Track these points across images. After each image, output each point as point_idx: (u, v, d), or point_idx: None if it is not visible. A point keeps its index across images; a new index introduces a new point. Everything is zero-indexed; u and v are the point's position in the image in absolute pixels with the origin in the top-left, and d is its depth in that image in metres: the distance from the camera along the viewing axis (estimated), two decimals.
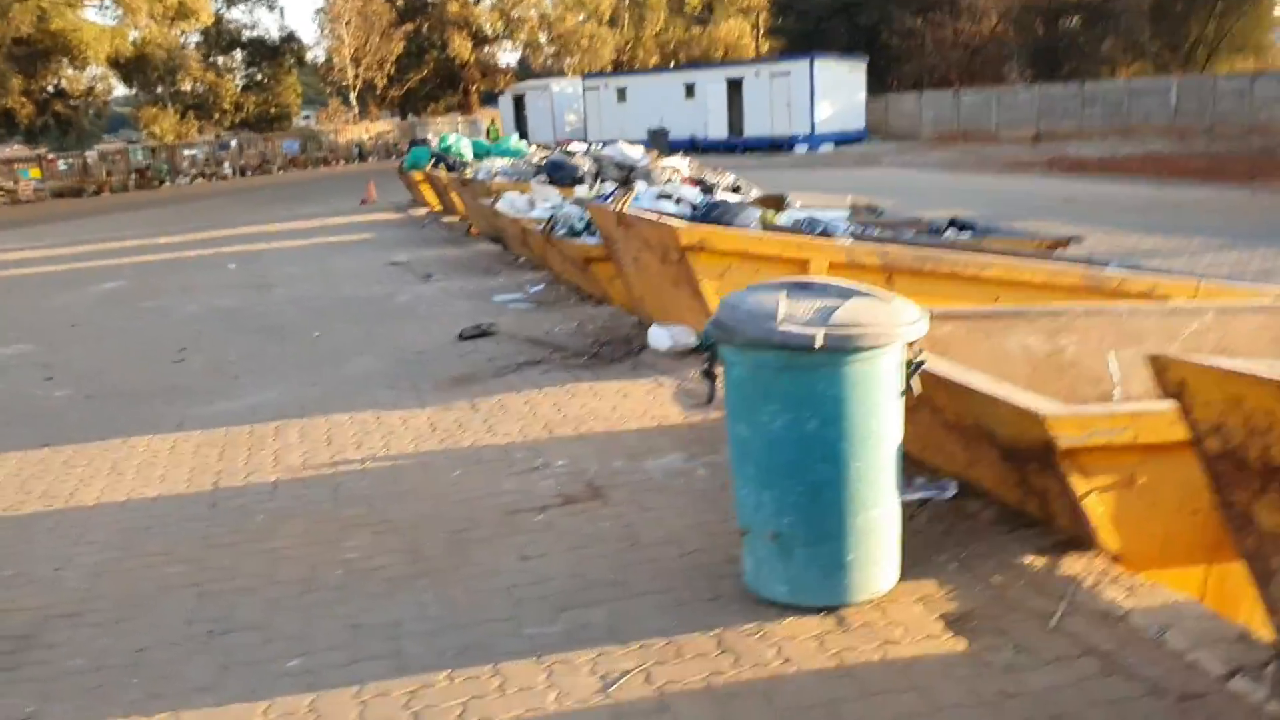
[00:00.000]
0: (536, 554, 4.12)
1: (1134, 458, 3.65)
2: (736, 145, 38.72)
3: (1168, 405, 3.63)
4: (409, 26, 55.18)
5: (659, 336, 6.96)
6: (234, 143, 45.39)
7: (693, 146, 36.98)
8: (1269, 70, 37.16)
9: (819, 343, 3.26)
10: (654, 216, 6.84)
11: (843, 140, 40.17)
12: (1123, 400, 5.17)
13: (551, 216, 9.35)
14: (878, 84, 44.64)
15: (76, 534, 4.65)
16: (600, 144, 15.93)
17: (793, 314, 3.34)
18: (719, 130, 40.57)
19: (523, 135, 39.85)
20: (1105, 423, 3.58)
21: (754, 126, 40.19)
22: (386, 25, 53.03)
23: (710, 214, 7.37)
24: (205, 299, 11.23)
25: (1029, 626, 3.33)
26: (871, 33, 48.02)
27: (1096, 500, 3.69)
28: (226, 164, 42.71)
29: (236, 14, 56.93)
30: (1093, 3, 46.57)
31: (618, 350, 7.14)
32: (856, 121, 41.67)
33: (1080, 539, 3.81)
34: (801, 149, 38.69)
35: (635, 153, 13.93)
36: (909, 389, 3.49)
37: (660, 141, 36.30)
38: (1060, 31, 48.14)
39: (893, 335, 3.34)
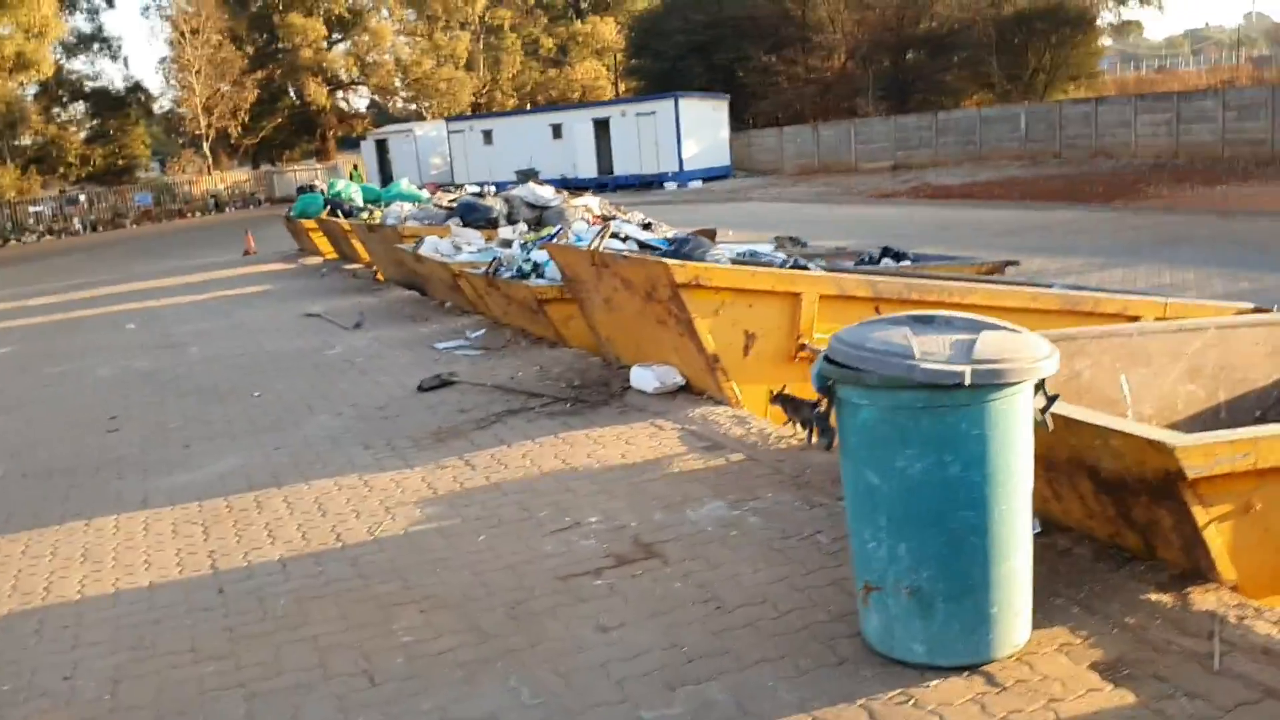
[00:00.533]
0: (615, 624, 3.78)
1: (1251, 483, 3.53)
2: (607, 184, 38.71)
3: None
4: (261, 74, 53.80)
5: (644, 378, 6.68)
6: (82, 197, 43.39)
7: (564, 186, 36.79)
8: (1110, 96, 38.97)
9: (968, 380, 3.04)
10: (638, 255, 6.57)
11: (710, 176, 40.60)
12: (1136, 421, 5.10)
13: (495, 259, 8.99)
14: (737, 121, 45.32)
15: (72, 635, 4.11)
16: (472, 185, 15.60)
17: (929, 350, 3.11)
18: (588, 169, 40.56)
19: (387, 179, 39.12)
20: (1228, 449, 3.44)
21: (623, 165, 40.34)
22: (238, 73, 51.56)
23: (681, 251, 7.14)
24: (117, 361, 10.47)
25: (1189, 670, 3.15)
26: (727, 71, 48.81)
27: (1215, 530, 3.56)
28: (76, 219, 40.76)
29: (78, 64, 54.77)
30: (937, 36, 48.35)
31: (597, 394, 6.82)
32: (722, 158, 42.22)
33: (1192, 572, 3.67)
34: (671, 186, 38.97)
35: (546, 192, 13.67)
36: (1045, 425, 3.30)
37: (531, 181, 36.04)
38: (908, 64, 49.74)
39: (1034, 370, 3.14)
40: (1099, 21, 49.75)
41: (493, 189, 17.14)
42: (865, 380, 3.16)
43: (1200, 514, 3.50)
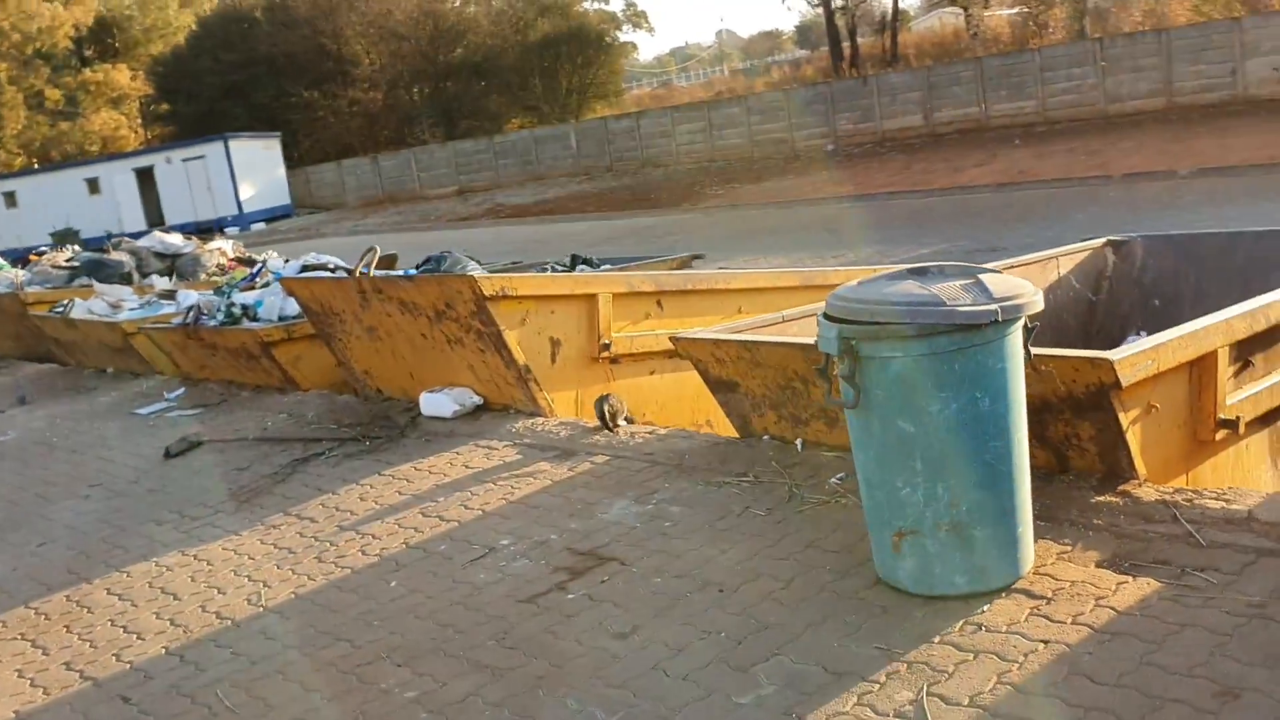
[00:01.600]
0: (628, 628, 3.65)
1: (1150, 387, 4.04)
2: None
3: (1174, 336, 4.08)
4: None
5: (438, 403, 6.39)
6: None
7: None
8: (650, 109, 41.70)
9: (1000, 317, 3.25)
10: (428, 274, 6.29)
11: (271, 217, 39.22)
12: None
13: (192, 308, 8.18)
14: (289, 159, 43.95)
15: None
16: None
17: (951, 296, 3.30)
18: (135, 222, 37.71)
19: None
20: (1142, 358, 3.91)
21: (175, 214, 37.92)
22: None
23: (440, 268, 6.90)
24: None
25: (1182, 550, 3.55)
26: (269, 110, 47.15)
27: (1132, 432, 4.03)
28: None
29: None
30: (472, 63, 49.42)
31: (385, 429, 6.44)
32: (281, 197, 40.85)
33: (1109, 475, 4.12)
34: (233, 230, 37.03)
35: (176, 240, 12.66)
36: (1029, 358, 3.58)
37: (73, 242, 32.91)
38: (449, 92, 50.47)
39: (1036, 303, 3.41)
40: (608, 41, 52.84)
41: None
42: (901, 332, 3.28)
43: (1124, 419, 3.95)
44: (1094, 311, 7.51)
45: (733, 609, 3.64)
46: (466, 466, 5.57)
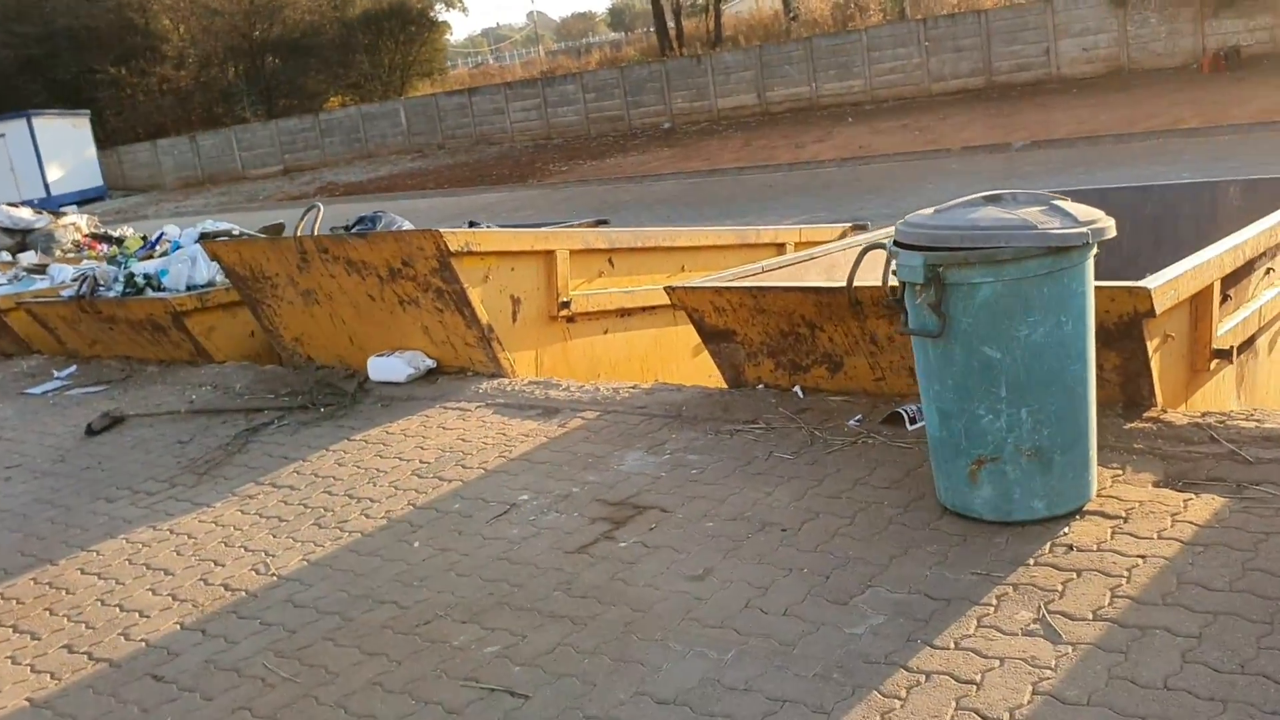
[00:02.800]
0: (699, 571, 3.55)
1: (1170, 316, 4.18)
2: None
3: (1186, 269, 4.22)
4: None
5: (390, 367, 6.11)
6: None
7: None
8: (483, 86, 41.06)
9: (1090, 240, 3.29)
10: (387, 230, 5.99)
11: (84, 199, 36.86)
12: None
13: (86, 277, 7.58)
14: (97, 138, 41.50)
15: None
16: None
17: (1037, 220, 3.31)
18: None
19: None
20: (1170, 287, 4.04)
21: None
22: None
23: (367, 228, 6.59)
24: None
25: (1231, 467, 3.68)
26: (73, 86, 44.35)
27: (1155, 360, 4.16)
28: None
29: None
30: (290, 40, 47.66)
31: (333, 396, 6.12)
32: (93, 178, 38.61)
33: (1129, 403, 4.25)
34: None
35: (25, 214, 11.77)
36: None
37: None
38: (268, 70, 48.59)
39: (1112, 228, 3.45)
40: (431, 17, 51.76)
41: None
42: (993, 256, 3.28)
43: (1150, 348, 4.07)
44: None
45: (804, 547, 3.59)
46: (443, 428, 5.34)
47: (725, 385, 5.29)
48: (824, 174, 22.12)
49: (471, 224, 10.07)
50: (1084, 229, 3.27)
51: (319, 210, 6.15)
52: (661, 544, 3.77)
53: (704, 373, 7.36)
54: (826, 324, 4.70)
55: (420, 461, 4.93)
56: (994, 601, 3.10)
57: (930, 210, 3.53)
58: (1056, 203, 3.43)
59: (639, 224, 17.96)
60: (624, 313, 6.63)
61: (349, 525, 4.36)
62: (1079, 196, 7.75)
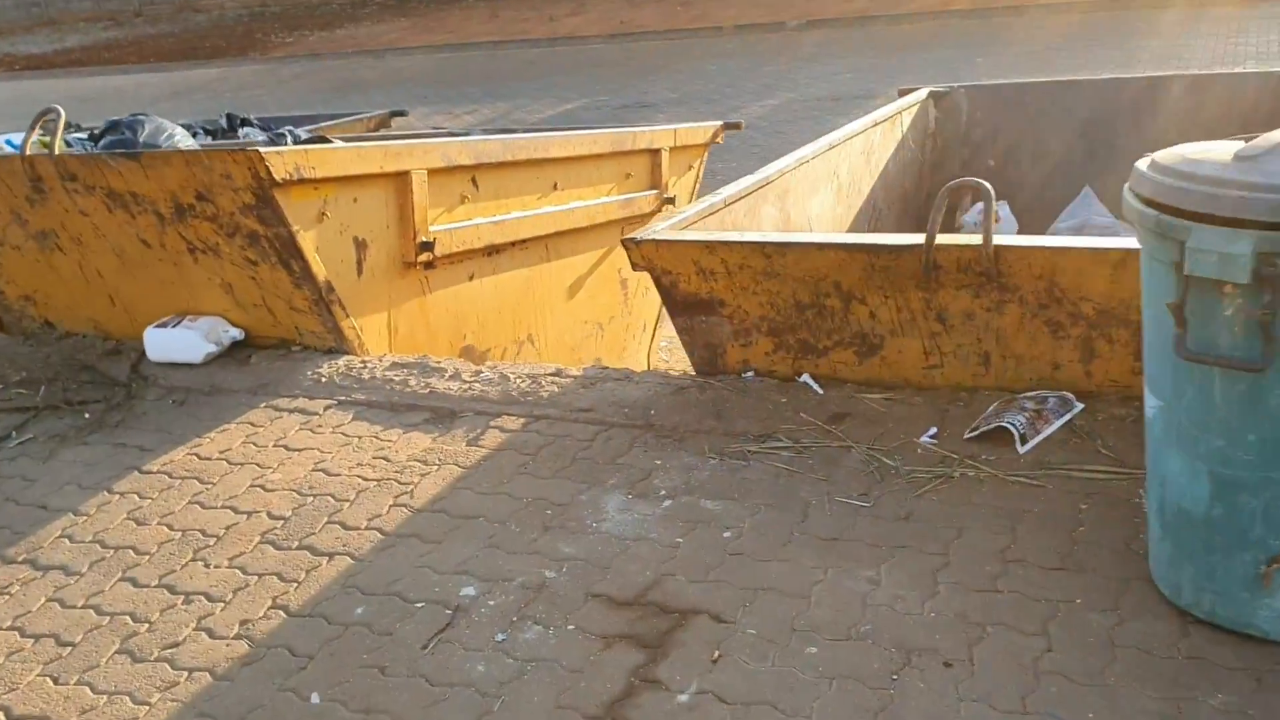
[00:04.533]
0: (870, 581, 2.14)
1: None
2: None
3: None
4: None
5: (183, 343, 4.26)
6: None
7: None
8: None
9: None
10: (171, 149, 4.08)
11: None
12: None
13: None
14: None
15: None
16: None
17: None
18: None
19: None
20: None
21: None
22: None
23: (139, 140, 4.63)
24: None
25: None
26: None
27: None
28: None
29: None
30: None
31: (96, 390, 4.22)
32: None
33: None
34: None
35: None
36: None
37: None
38: None
39: None
40: None
41: None
42: None
43: None
44: (923, 176, 6.58)
45: (1003, 702, 2.22)
46: (285, 448, 3.62)
47: (691, 368, 3.82)
48: (592, 51, 20.46)
49: (231, 119, 8.01)
50: None
51: (60, 116, 4.13)
52: (750, 695, 2.31)
53: (581, 319, 5.85)
54: (871, 293, 3.29)
55: (269, 516, 3.22)
56: None
57: (1213, 153, 2.14)
58: None
59: (400, 106, 15.86)
60: (492, 250, 5.00)
61: (179, 659, 2.65)
62: (980, 92, 6.68)
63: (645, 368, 6.60)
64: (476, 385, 3.85)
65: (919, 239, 3.12)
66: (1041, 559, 2.62)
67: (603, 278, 5.98)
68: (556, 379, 3.85)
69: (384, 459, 3.46)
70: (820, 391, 3.51)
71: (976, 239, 3.05)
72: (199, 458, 3.60)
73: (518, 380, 3.86)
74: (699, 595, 2.64)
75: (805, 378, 3.57)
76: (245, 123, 8.07)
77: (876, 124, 5.82)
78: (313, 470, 3.43)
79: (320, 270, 4.06)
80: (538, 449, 3.41)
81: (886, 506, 2.90)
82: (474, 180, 4.83)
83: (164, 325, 4.34)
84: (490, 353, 5.13)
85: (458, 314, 4.85)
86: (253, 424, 3.80)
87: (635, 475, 3.20)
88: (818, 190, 5.04)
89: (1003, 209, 6.36)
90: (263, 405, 3.93)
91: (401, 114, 8.28)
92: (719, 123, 6.79)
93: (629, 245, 3.51)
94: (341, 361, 4.16)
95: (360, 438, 3.62)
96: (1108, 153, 6.33)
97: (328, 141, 4.68)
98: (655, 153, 6.16)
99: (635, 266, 3.56)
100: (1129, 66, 12.27)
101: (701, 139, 6.54)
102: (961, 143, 6.70)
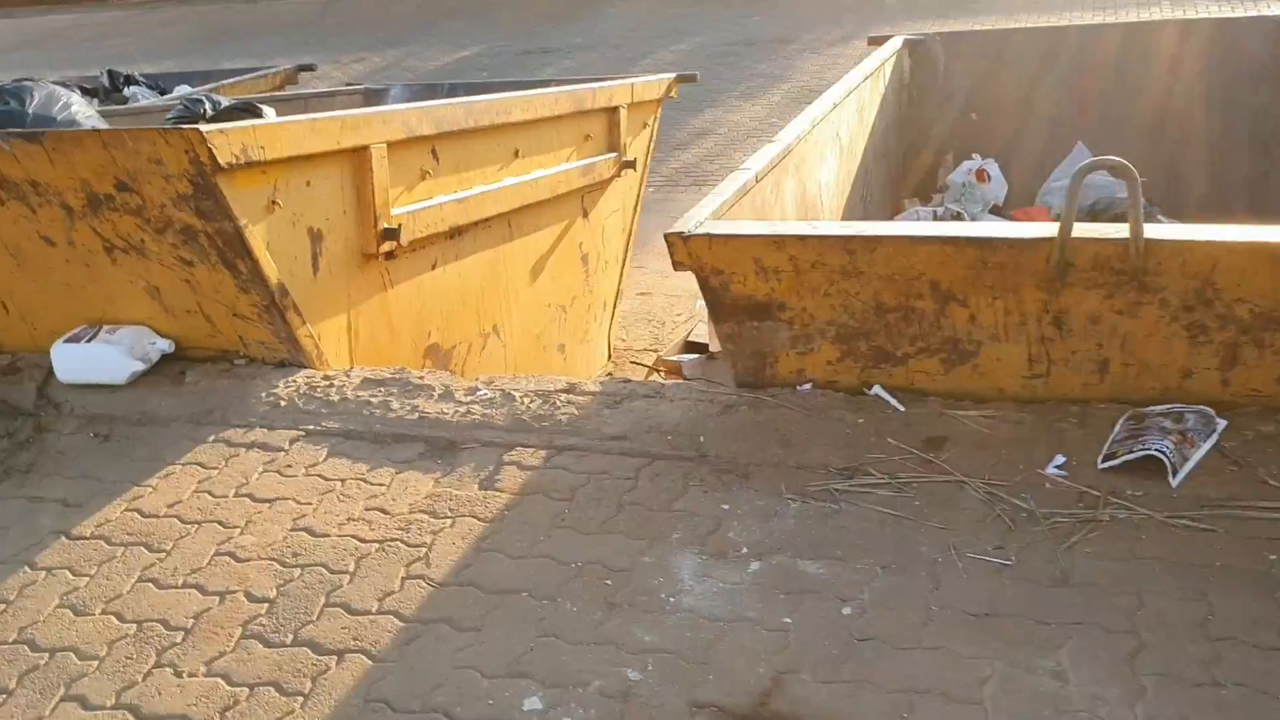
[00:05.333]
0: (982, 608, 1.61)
1: None
2: None
3: None
4: None
5: (104, 360, 3.50)
6: None
7: None
8: None
9: None
10: (77, 128, 3.29)
11: None
12: None
13: None
14: None
15: None
16: None
17: None
18: None
19: None
20: None
21: None
22: None
23: (14, 114, 3.80)
24: None
25: None
26: None
27: None
28: None
29: None
30: None
31: None
32: None
33: None
34: None
35: None
36: None
37: None
38: None
39: None
40: None
41: None
42: None
43: None
44: (901, 131, 6.08)
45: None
46: (251, 498, 2.93)
47: (733, 379, 3.23)
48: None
49: (114, 76, 7.13)
50: None
51: None
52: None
53: (544, 303, 5.21)
54: (977, 294, 2.74)
55: (249, 597, 2.54)
56: None
57: None
58: None
59: (279, 54, 14.73)
60: (455, 233, 4.32)
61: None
62: (957, 41, 6.21)
63: (606, 351, 6.00)
64: (476, 407, 3.20)
65: (1046, 231, 2.58)
66: (1255, 635, 2.12)
67: (564, 255, 5.35)
68: (572, 396, 3.22)
69: (380, 510, 2.80)
70: (900, 408, 2.96)
71: (1119, 230, 2.51)
72: (141, 514, 2.89)
73: (525, 400, 3.22)
74: (836, 703, 2.08)
75: (877, 389, 3.01)
76: (130, 80, 7.17)
77: (866, 78, 5.28)
78: (292, 529, 2.76)
79: (272, 270, 3.34)
80: (571, 492, 2.79)
81: (1033, 564, 2.37)
82: (434, 152, 4.14)
83: (76, 339, 3.56)
84: (455, 350, 4.47)
85: (421, 309, 4.18)
86: (202, 465, 3.09)
87: (703, 526, 2.61)
88: (824, 157, 4.50)
89: (991, 167, 5.91)
90: (211, 439, 3.22)
91: (310, 68, 7.45)
92: (672, 75, 6.17)
93: (673, 241, 2.87)
94: (300, 378, 3.46)
95: (344, 481, 2.95)
96: (1097, 103, 5.90)
97: (259, 113, 3.91)
98: (613, 111, 5.54)
99: (677, 266, 2.94)
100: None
101: (656, 94, 5.94)
102: (941, 95, 6.21)
